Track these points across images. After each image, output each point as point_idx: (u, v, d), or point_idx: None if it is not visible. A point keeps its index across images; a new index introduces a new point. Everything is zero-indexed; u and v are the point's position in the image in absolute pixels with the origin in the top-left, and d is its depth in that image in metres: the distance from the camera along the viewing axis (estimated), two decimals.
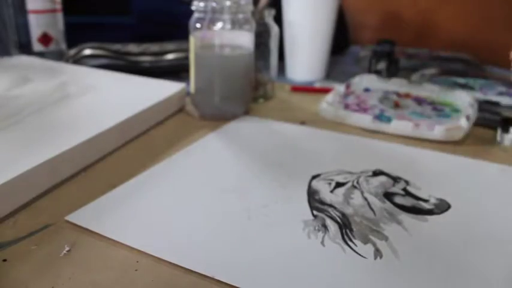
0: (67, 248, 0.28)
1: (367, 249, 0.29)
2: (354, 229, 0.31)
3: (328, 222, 0.32)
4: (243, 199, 0.35)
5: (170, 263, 0.27)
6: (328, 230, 0.31)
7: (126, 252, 0.28)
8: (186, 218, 0.32)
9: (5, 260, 0.27)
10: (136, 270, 0.27)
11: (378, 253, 0.29)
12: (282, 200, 0.35)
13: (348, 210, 0.34)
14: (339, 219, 0.32)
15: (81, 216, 0.32)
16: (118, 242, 0.29)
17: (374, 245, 0.30)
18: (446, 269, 0.28)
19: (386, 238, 0.30)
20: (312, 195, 0.36)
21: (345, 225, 0.32)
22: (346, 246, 0.29)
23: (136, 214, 0.32)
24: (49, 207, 0.33)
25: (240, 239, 0.30)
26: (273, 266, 0.27)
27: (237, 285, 0.25)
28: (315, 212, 0.33)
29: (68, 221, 0.31)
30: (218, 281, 0.26)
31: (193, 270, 0.27)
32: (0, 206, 0.31)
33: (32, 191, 0.34)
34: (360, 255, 0.29)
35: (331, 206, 0.34)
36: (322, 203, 0.35)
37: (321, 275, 0.27)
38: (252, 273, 0.27)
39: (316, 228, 0.31)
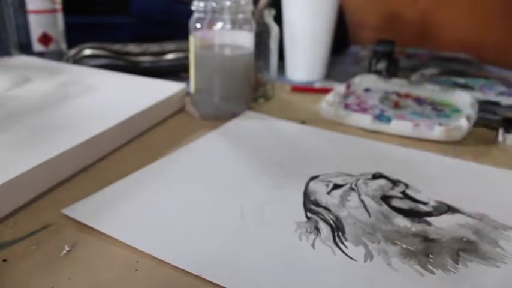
0: (67, 248, 0.29)
1: (358, 252, 0.29)
2: (347, 231, 0.31)
3: (321, 224, 0.32)
4: (238, 198, 0.35)
5: (170, 263, 0.27)
6: (320, 232, 0.31)
7: (126, 252, 0.28)
8: (182, 217, 0.32)
9: (5, 260, 0.27)
10: (136, 270, 0.27)
11: (368, 255, 0.29)
12: (277, 201, 0.35)
13: (343, 213, 0.33)
14: (331, 222, 0.32)
15: (78, 211, 0.32)
16: (118, 242, 0.29)
17: (366, 247, 0.30)
18: (438, 271, 0.28)
19: (378, 240, 0.30)
20: (308, 196, 0.35)
21: (338, 228, 0.31)
22: (336, 249, 0.29)
23: (132, 211, 0.32)
24: (49, 207, 0.33)
25: (231, 238, 0.30)
26: (263, 267, 0.27)
27: (224, 285, 0.25)
28: (308, 214, 0.33)
29: (67, 221, 0.31)
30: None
31: (181, 268, 0.27)
32: (0, 206, 0.31)
33: (32, 191, 0.34)
34: (349, 257, 0.28)
35: (325, 208, 0.34)
36: (317, 205, 0.34)
37: (310, 277, 0.27)
38: (240, 274, 0.27)
39: (308, 230, 0.31)
